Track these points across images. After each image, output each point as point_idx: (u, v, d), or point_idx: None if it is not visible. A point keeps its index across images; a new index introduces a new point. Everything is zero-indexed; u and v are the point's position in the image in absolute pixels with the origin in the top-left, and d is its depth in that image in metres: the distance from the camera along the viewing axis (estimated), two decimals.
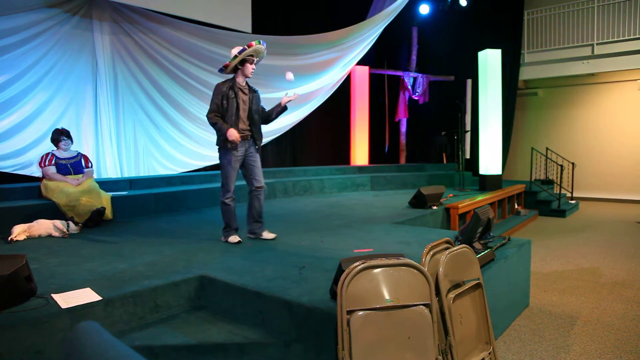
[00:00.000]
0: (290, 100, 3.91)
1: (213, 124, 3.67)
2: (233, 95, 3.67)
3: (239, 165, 3.77)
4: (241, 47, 3.65)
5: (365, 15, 8.71)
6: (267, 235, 3.89)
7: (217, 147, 3.75)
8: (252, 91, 3.84)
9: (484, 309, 2.31)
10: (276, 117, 3.99)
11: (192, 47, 6.76)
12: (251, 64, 3.72)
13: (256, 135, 3.84)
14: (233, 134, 3.57)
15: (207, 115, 3.70)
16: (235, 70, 3.74)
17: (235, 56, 3.65)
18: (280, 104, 3.91)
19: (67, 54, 5.82)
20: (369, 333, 1.78)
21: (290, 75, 3.90)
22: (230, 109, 3.66)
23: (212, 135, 7.25)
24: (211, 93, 7.62)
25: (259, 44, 3.67)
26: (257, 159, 3.86)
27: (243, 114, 3.74)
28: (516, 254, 3.32)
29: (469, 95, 9.93)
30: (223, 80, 3.78)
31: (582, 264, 4.86)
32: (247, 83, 3.82)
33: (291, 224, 4.64)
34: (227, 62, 3.71)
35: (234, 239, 3.73)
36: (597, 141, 10.47)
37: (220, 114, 3.67)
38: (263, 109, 3.94)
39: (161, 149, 6.91)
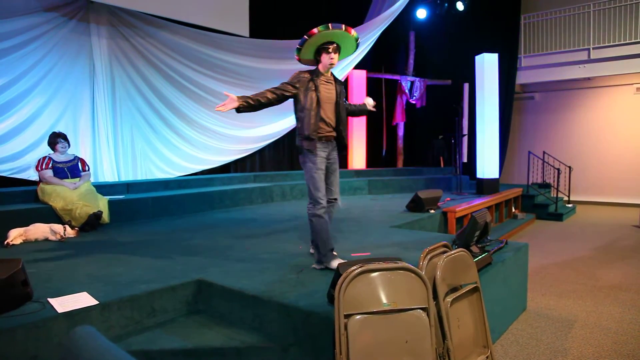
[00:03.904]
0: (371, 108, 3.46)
1: (262, 99, 3.02)
2: (314, 88, 3.06)
3: (324, 167, 3.14)
4: (302, 38, 3.08)
5: (362, 19, 8.75)
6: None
7: (298, 149, 3.16)
8: (339, 83, 3.24)
9: (481, 313, 2.31)
10: (356, 115, 3.54)
11: (190, 50, 6.77)
12: (327, 53, 3.09)
13: (344, 135, 3.23)
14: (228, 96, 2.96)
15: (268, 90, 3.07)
16: (316, 61, 3.18)
17: (298, 48, 3.11)
18: (365, 106, 3.46)
19: (64, 57, 5.82)
20: (367, 337, 1.78)
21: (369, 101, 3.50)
22: (310, 103, 3.05)
23: (209, 139, 7.30)
24: (207, 96, 7.54)
25: (325, 29, 3.02)
26: (337, 166, 3.26)
27: (328, 109, 3.12)
28: (513, 257, 3.32)
29: (466, 99, 9.97)
30: (306, 70, 3.20)
31: (579, 267, 4.87)
32: (332, 74, 3.22)
33: (289, 228, 4.63)
34: (297, 57, 3.19)
35: (336, 262, 2.89)
36: (594, 145, 10.51)
37: (278, 96, 3.06)
38: (347, 104, 3.40)
39: (158, 153, 6.91)
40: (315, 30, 3.01)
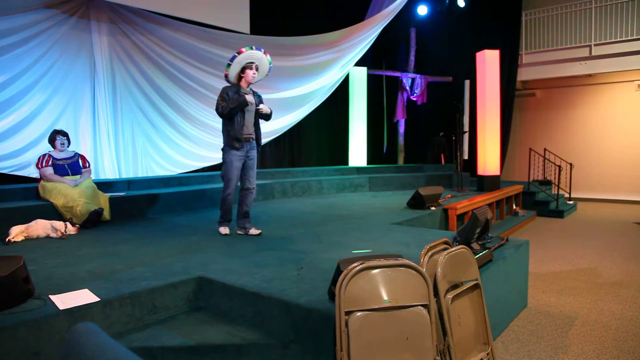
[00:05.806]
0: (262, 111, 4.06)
1: (225, 109, 3.81)
2: (237, 99, 3.87)
3: (241, 164, 3.99)
4: (232, 55, 3.88)
5: (363, 16, 8.72)
6: (253, 231, 4.09)
7: (223, 146, 4.00)
8: (256, 96, 4.09)
9: (482, 310, 2.32)
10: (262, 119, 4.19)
11: (190, 48, 6.76)
12: (250, 69, 3.93)
13: (259, 137, 4.10)
14: (247, 98, 3.84)
15: (218, 111, 3.88)
16: (239, 78, 3.99)
17: (228, 64, 3.90)
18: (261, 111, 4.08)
19: (65, 54, 5.82)
20: (367, 334, 1.78)
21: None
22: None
23: (209, 136, 7.29)
24: (208, 93, 7.66)
25: (250, 50, 3.90)
26: (255, 161, 4.11)
27: (249, 117, 3.97)
28: (514, 254, 3.32)
29: (467, 96, 9.95)
30: (229, 85, 4.03)
31: (580, 264, 4.87)
32: (251, 88, 4.07)
33: (289, 225, 4.63)
34: (225, 72, 3.96)
35: (224, 230, 4.06)
36: (595, 142, 10.50)
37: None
38: None
39: (159, 150, 6.91)
40: (243, 49, 3.87)
